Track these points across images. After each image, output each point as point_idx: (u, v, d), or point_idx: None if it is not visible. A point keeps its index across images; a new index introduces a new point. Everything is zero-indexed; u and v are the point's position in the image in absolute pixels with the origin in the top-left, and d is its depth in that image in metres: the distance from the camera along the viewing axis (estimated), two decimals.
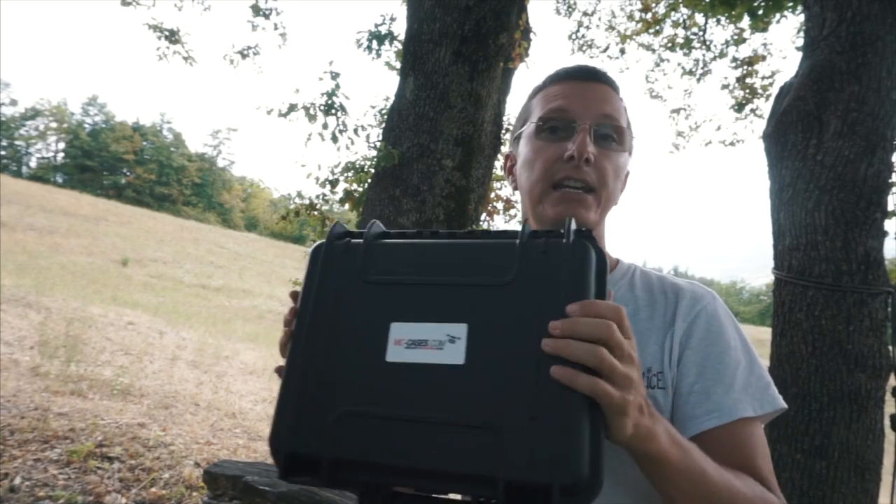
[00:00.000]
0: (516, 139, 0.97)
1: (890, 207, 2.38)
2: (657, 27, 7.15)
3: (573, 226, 0.64)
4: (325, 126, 4.38)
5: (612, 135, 0.88)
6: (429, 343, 0.62)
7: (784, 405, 0.84)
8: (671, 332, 0.84)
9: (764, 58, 6.84)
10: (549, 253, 0.63)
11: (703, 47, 7.06)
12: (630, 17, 7.47)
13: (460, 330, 0.62)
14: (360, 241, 0.70)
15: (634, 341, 0.61)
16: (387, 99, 5.30)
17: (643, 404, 0.62)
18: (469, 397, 0.59)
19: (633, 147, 0.94)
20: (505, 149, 0.99)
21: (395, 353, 0.63)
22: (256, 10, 6.24)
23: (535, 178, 0.89)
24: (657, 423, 0.64)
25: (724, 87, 7.17)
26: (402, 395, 0.62)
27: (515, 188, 0.97)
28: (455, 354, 0.61)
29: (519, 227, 0.67)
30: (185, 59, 6.55)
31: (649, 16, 7.08)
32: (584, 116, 0.87)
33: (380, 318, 0.65)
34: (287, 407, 0.65)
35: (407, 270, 0.67)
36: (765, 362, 0.97)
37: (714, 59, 7.12)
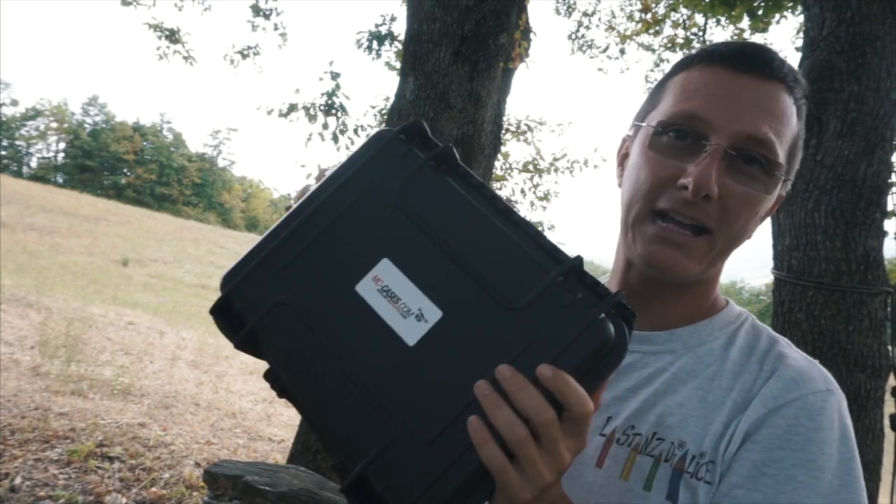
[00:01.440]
0: (636, 126, 0.74)
1: (890, 207, 2.39)
2: (657, 27, 7.16)
3: (621, 299, 0.54)
4: (325, 126, 4.39)
5: (760, 162, 0.64)
6: (399, 303, 0.58)
7: None
8: (743, 415, 0.63)
9: None
10: (571, 309, 0.53)
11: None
12: (630, 18, 7.48)
13: (434, 314, 0.57)
14: (422, 155, 0.63)
15: (580, 444, 0.52)
16: (387, 99, 5.31)
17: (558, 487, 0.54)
18: (392, 381, 0.56)
19: (791, 171, 0.70)
20: (626, 131, 0.77)
21: (366, 288, 0.60)
22: (256, 10, 6.24)
23: (634, 196, 0.68)
24: None
25: None
26: (341, 328, 0.59)
27: (619, 185, 0.76)
28: (411, 333, 0.57)
29: (571, 253, 0.58)
30: (185, 59, 6.56)
31: (649, 16, 7.08)
32: (722, 133, 0.63)
33: (381, 245, 0.61)
34: (252, 257, 0.65)
35: (438, 222, 0.60)
36: None
37: None
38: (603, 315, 0.52)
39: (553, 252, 0.57)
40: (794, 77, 0.67)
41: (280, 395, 0.63)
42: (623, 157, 0.76)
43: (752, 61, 0.65)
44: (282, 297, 0.61)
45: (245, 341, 0.62)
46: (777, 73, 0.65)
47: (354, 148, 0.74)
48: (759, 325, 0.72)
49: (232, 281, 0.64)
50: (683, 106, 0.66)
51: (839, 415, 0.62)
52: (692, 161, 0.64)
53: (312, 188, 0.69)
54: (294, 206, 0.69)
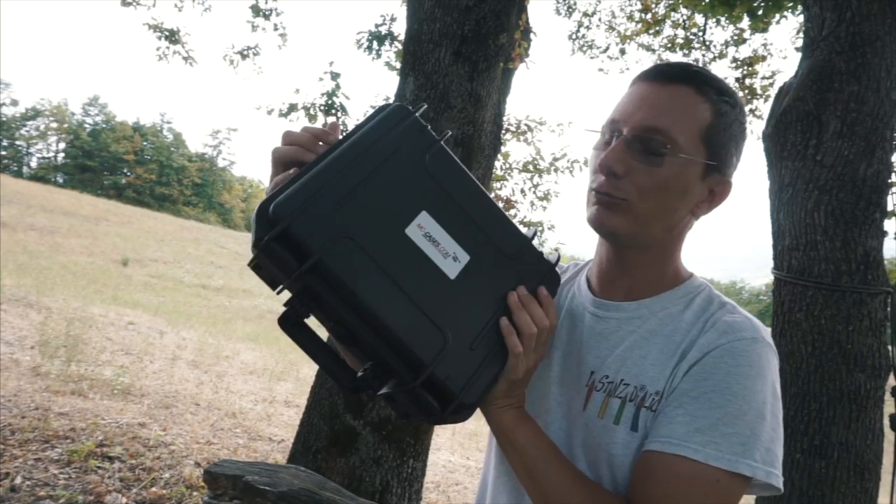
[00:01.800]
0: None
1: (890, 207, 2.39)
2: (657, 28, 7.16)
3: (556, 259, 0.89)
4: (325, 126, 4.39)
5: (657, 148, 0.79)
6: (440, 247, 0.76)
7: (775, 485, 0.76)
8: (685, 360, 0.79)
9: (764, 58, 6.84)
10: (540, 261, 0.85)
11: (703, 48, 7.06)
12: (630, 18, 7.47)
13: (464, 257, 0.78)
14: (435, 135, 0.81)
15: (546, 350, 0.83)
16: (387, 99, 5.31)
17: (523, 398, 0.84)
18: (444, 303, 0.74)
19: (721, 159, 0.83)
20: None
21: (414, 232, 0.75)
22: (256, 10, 6.24)
23: (586, 195, 0.88)
24: (523, 412, 0.83)
25: None
26: (400, 262, 0.73)
27: None
28: (452, 269, 0.76)
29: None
30: (185, 59, 6.56)
31: (649, 16, 7.08)
32: (626, 125, 0.81)
33: (419, 199, 0.77)
34: (307, 186, 0.71)
35: (455, 188, 0.80)
36: None
37: (714, 59, 7.12)
38: (553, 265, 0.86)
39: (515, 224, 0.85)
40: (704, 81, 0.82)
41: (296, 329, 0.72)
42: None
43: (660, 73, 0.83)
44: (347, 232, 0.70)
45: (308, 270, 0.68)
46: (681, 78, 0.81)
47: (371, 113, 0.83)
48: (714, 294, 0.87)
49: (291, 210, 0.68)
50: (610, 116, 0.85)
51: (759, 358, 0.77)
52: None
53: (348, 128, 0.81)
54: (333, 138, 0.81)
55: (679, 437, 0.74)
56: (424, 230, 0.75)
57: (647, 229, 0.83)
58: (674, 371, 0.80)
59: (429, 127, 0.81)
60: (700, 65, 0.87)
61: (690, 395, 0.76)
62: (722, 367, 0.76)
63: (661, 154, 0.79)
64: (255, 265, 0.74)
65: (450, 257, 0.76)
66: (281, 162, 0.79)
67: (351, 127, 0.82)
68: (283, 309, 0.72)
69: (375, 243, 0.72)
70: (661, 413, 0.78)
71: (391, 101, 3.64)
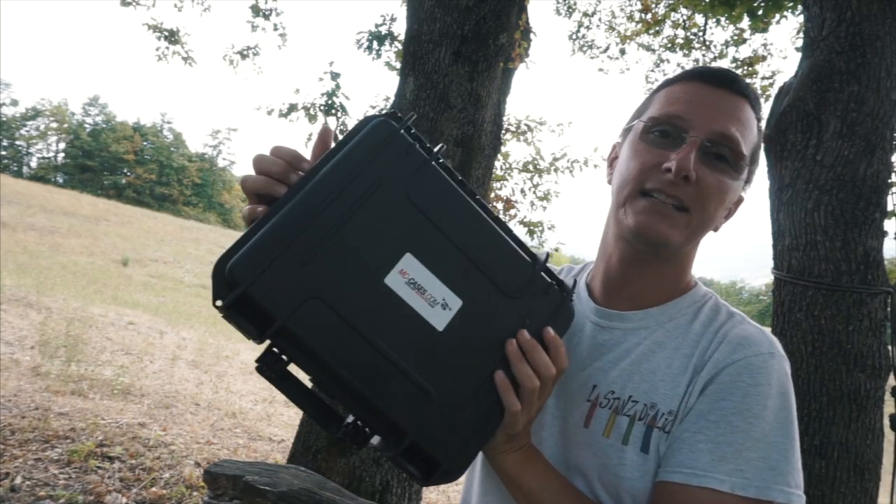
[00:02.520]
0: (626, 131, 0.87)
1: (890, 207, 2.39)
2: (657, 28, 7.16)
3: (571, 288, 0.77)
4: (324, 125, 4.39)
5: (727, 157, 0.77)
6: (426, 294, 0.67)
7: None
8: (698, 377, 0.75)
9: (764, 58, 6.84)
10: (549, 295, 0.74)
11: (703, 48, 7.06)
12: (630, 18, 7.47)
13: (455, 303, 0.68)
14: (423, 154, 0.70)
15: (549, 393, 0.74)
16: (387, 99, 5.31)
17: (528, 436, 0.76)
18: (429, 360, 0.66)
19: (751, 176, 0.83)
20: (616, 138, 0.93)
21: (395, 281, 0.66)
22: (256, 10, 6.24)
23: (625, 179, 0.80)
24: (528, 451, 0.76)
25: None
26: (378, 319, 0.65)
27: (609, 182, 0.89)
28: (440, 320, 0.67)
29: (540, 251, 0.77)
30: (185, 59, 6.56)
31: (649, 16, 7.08)
32: (699, 129, 0.76)
33: (403, 240, 0.68)
34: (268, 242, 0.62)
35: (445, 218, 0.70)
36: None
37: (714, 59, 7.12)
38: (566, 297, 0.75)
39: (524, 247, 0.75)
40: (756, 98, 0.81)
41: (277, 380, 0.66)
42: (612, 160, 0.90)
43: (724, 79, 0.80)
44: (313, 292, 0.63)
45: (271, 336, 0.63)
46: (745, 90, 0.80)
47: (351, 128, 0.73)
48: (720, 303, 0.84)
49: (249, 271, 0.61)
50: (668, 109, 0.79)
51: (778, 374, 0.73)
52: (674, 151, 0.76)
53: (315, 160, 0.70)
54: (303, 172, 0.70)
55: (703, 468, 0.69)
56: (408, 276, 0.67)
57: (693, 240, 0.80)
58: (688, 389, 0.75)
59: (417, 145, 0.71)
60: (694, 64, 0.86)
61: (709, 419, 0.71)
62: (740, 385, 0.72)
63: (736, 166, 0.77)
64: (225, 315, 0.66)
65: (438, 305, 0.67)
66: (252, 194, 0.71)
67: (351, 128, 0.75)
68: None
69: (348, 301, 0.64)
70: (678, 438, 0.73)
71: (391, 101, 3.64)
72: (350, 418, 0.69)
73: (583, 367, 0.83)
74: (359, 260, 0.65)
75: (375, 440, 0.70)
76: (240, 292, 0.61)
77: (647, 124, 0.80)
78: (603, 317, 0.86)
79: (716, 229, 0.83)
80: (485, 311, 0.70)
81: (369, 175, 0.67)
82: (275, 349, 0.65)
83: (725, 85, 0.79)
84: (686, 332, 0.80)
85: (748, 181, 0.83)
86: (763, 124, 0.83)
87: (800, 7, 3.94)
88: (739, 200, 0.84)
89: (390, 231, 0.67)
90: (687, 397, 0.74)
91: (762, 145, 0.83)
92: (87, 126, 73.00)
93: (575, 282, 0.82)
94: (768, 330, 0.83)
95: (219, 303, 0.62)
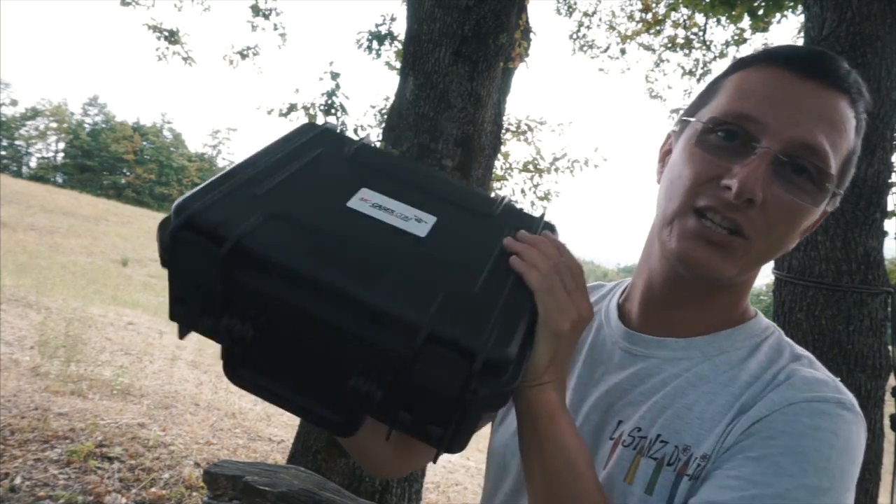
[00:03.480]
0: (683, 122, 0.70)
1: (890, 207, 2.39)
2: (657, 27, 7.16)
3: (544, 221, 0.72)
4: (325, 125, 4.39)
5: (811, 173, 0.61)
6: (394, 214, 0.61)
7: None
8: (744, 416, 0.61)
9: None
10: (523, 215, 0.71)
11: (704, 47, 7.06)
12: (630, 18, 7.47)
13: (429, 218, 0.62)
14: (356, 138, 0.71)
15: (583, 298, 0.62)
16: (387, 99, 5.31)
17: (565, 369, 0.62)
18: (421, 260, 0.58)
19: (841, 189, 0.65)
20: (672, 125, 0.73)
21: (358, 204, 0.61)
22: (256, 10, 6.24)
23: (674, 192, 0.65)
24: (564, 395, 0.62)
25: None
26: (352, 232, 0.58)
27: (658, 181, 0.73)
28: (419, 229, 0.60)
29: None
30: (185, 59, 6.55)
31: (650, 16, 7.08)
32: (775, 137, 0.60)
33: (355, 180, 0.64)
34: (219, 182, 0.59)
35: (399, 169, 0.68)
36: None
37: (714, 59, 7.12)
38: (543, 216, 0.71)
39: (482, 192, 0.72)
40: (859, 90, 0.64)
41: (257, 375, 0.57)
42: (665, 154, 0.74)
43: (818, 67, 0.62)
44: (273, 214, 0.56)
45: (229, 257, 0.53)
46: (843, 83, 0.62)
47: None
48: (784, 341, 0.69)
49: (196, 202, 0.55)
50: (737, 105, 0.63)
51: (848, 429, 0.58)
52: (739, 162, 0.61)
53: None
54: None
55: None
56: (370, 201, 0.61)
57: (752, 270, 0.67)
58: (728, 429, 0.60)
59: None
60: (694, 64, 0.71)
61: (750, 456, 0.57)
62: (797, 426, 0.57)
63: (820, 185, 0.62)
64: (174, 314, 0.57)
65: (411, 220, 0.61)
66: None
67: (351, 129, 0.77)
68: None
69: (314, 220, 0.58)
70: (708, 476, 0.59)
71: (391, 101, 3.64)
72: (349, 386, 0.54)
73: (609, 401, 0.70)
74: (314, 194, 0.61)
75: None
76: (191, 213, 0.54)
77: (706, 125, 0.64)
78: (637, 343, 0.72)
79: (786, 249, 0.68)
80: (462, 223, 0.64)
81: (312, 148, 0.67)
82: (230, 330, 0.54)
83: (818, 75, 0.61)
84: (738, 368, 0.65)
85: (837, 195, 0.66)
86: (864, 120, 0.65)
87: (800, 7, 3.94)
88: (823, 216, 0.67)
89: (342, 176, 0.64)
90: (724, 436, 0.60)
91: (857, 149, 0.66)
92: (86, 126, 73.02)
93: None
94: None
95: (161, 247, 0.56)
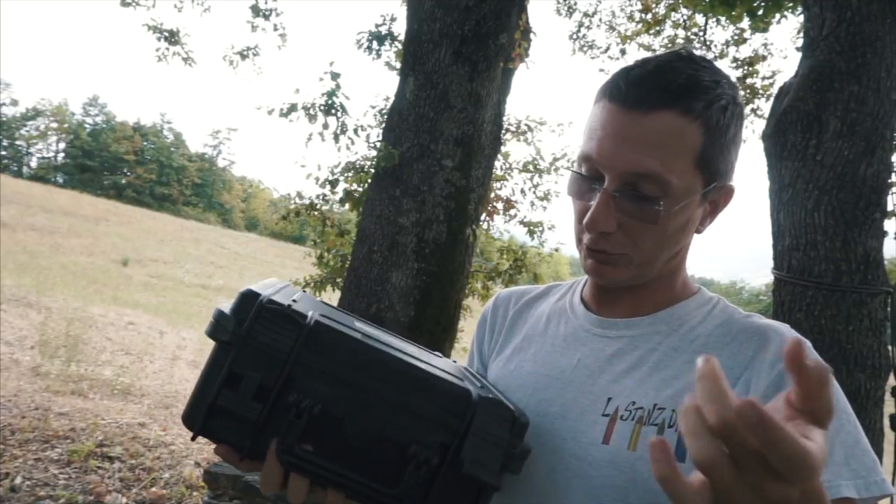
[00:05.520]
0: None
1: (890, 207, 2.39)
2: (657, 28, 7.15)
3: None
4: (325, 126, 4.38)
5: (652, 195, 0.69)
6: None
7: (893, 490, 0.65)
8: (743, 377, 0.68)
9: (764, 58, 6.84)
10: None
11: (704, 48, 7.05)
12: (630, 18, 7.47)
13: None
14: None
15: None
16: (387, 99, 5.31)
17: None
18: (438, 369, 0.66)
19: (713, 178, 0.73)
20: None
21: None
22: (256, 10, 6.24)
23: (574, 233, 0.78)
24: None
25: None
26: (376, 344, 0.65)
27: None
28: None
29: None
30: (185, 59, 6.56)
31: (650, 16, 7.08)
32: (611, 173, 0.70)
33: None
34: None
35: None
36: None
37: (714, 59, 7.12)
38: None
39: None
40: (690, 93, 0.68)
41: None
42: None
43: (636, 98, 0.68)
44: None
45: (311, 334, 0.61)
46: (662, 102, 0.68)
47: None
48: (730, 305, 0.79)
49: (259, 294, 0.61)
50: (584, 149, 0.73)
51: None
52: (593, 199, 0.71)
53: None
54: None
55: (824, 479, 0.55)
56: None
57: (652, 269, 0.76)
58: (736, 388, 0.67)
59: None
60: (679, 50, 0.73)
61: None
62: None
63: (665, 197, 0.69)
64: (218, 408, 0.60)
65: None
66: None
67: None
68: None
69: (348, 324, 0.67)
70: None
71: (391, 101, 3.64)
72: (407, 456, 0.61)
73: (591, 381, 0.76)
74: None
75: None
76: (267, 297, 0.61)
77: (571, 171, 0.75)
78: (607, 326, 0.80)
79: (699, 232, 0.77)
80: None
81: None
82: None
83: (641, 104, 0.68)
84: (704, 334, 0.75)
85: (723, 180, 0.74)
86: (716, 109, 0.70)
87: (800, 7, 3.94)
88: (728, 191, 0.76)
89: None
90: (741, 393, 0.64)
91: (724, 133, 0.72)
92: (87, 126, 73.01)
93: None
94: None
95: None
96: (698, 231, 0.77)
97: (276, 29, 6.43)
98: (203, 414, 0.60)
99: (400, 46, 4.59)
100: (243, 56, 6.59)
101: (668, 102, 0.68)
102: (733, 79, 0.82)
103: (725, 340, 0.73)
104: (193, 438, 0.62)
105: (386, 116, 4.03)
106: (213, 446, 0.64)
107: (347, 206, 4.52)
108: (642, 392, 0.72)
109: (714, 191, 0.74)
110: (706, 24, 6.82)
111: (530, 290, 0.94)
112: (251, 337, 0.59)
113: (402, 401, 0.61)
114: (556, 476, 0.73)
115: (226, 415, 0.59)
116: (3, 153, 70.40)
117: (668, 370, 0.72)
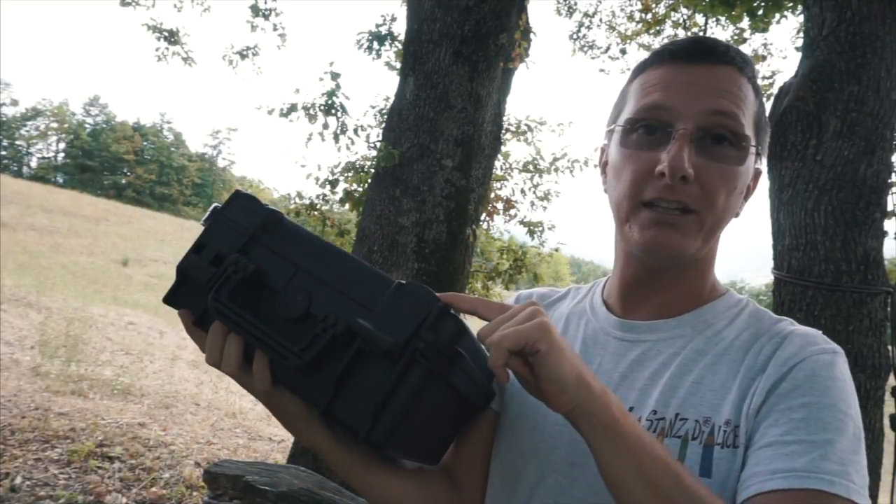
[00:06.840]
0: (609, 132, 0.78)
1: (890, 207, 2.39)
2: (657, 28, 7.15)
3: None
4: (325, 126, 4.39)
5: (727, 138, 0.68)
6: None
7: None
8: (760, 378, 0.66)
9: (764, 58, 6.84)
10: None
11: None
12: (630, 18, 7.48)
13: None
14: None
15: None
16: (387, 99, 5.31)
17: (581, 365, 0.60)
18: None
19: (762, 146, 0.73)
20: (602, 140, 0.82)
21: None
22: (256, 10, 6.24)
23: (621, 194, 0.72)
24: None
25: None
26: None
27: (606, 191, 0.79)
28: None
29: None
30: (185, 59, 6.56)
31: (650, 16, 7.08)
32: (686, 116, 0.67)
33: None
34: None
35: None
36: None
37: None
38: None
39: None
40: (742, 59, 0.71)
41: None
42: (605, 165, 0.80)
43: (699, 52, 0.70)
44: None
45: (269, 217, 0.72)
46: (723, 57, 0.70)
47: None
48: (760, 308, 0.77)
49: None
50: (645, 101, 0.70)
51: (846, 371, 0.66)
52: (664, 149, 0.67)
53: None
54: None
55: (806, 468, 0.59)
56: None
57: (710, 242, 0.72)
58: (750, 391, 0.65)
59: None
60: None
61: (796, 416, 0.62)
62: (820, 380, 0.63)
63: (739, 146, 0.68)
64: (187, 263, 0.70)
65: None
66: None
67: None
68: None
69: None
70: (765, 445, 0.62)
71: (391, 101, 3.64)
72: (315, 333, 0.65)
73: (613, 389, 0.68)
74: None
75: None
76: (246, 193, 0.75)
77: (625, 127, 0.71)
78: (629, 329, 0.76)
79: (737, 215, 0.75)
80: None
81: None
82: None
83: (701, 57, 0.69)
84: (730, 337, 0.72)
85: (760, 153, 0.73)
86: (757, 82, 0.73)
87: (800, 7, 3.94)
88: (757, 175, 0.75)
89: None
90: (750, 399, 0.65)
91: (763, 109, 0.74)
92: (87, 126, 73.05)
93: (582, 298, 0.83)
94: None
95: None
96: (737, 215, 0.75)
97: (275, 29, 6.44)
98: (176, 282, 0.70)
99: (400, 46, 4.59)
100: (243, 56, 6.59)
101: (726, 59, 0.70)
102: None
103: (750, 343, 0.70)
104: (165, 300, 0.72)
105: (386, 116, 4.03)
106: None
107: (347, 206, 4.52)
108: (664, 400, 0.69)
109: (757, 162, 0.74)
110: (706, 23, 6.81)
111: (552, 294, 0.91)
112: (222, 215, 0.72)
113: (337, 285, 0.66)
114: (579, 485, 0.70)
115: (188, 283, 0.69)
116: (3, 153, 70.42)
117: (691, 375, 0.69)
